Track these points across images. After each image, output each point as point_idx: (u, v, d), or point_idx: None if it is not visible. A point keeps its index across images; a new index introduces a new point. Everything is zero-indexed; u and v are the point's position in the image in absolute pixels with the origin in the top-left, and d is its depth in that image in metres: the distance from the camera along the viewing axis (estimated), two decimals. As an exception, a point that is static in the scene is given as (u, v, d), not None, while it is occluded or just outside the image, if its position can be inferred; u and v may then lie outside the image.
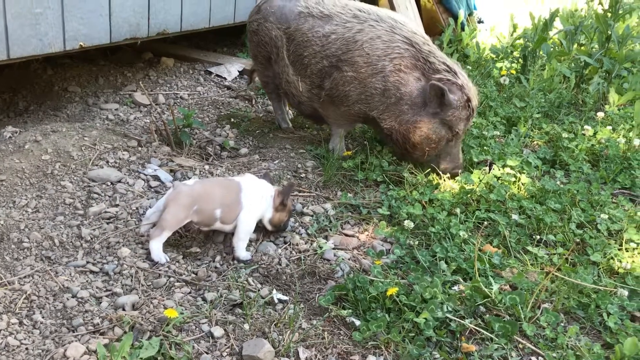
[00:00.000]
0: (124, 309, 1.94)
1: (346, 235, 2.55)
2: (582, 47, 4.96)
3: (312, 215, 2.64)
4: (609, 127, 3.64)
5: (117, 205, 2.53)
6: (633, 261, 2.42)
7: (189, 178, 2.82)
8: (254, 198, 2.31)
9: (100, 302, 1.98)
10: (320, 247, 2.39)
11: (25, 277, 2.05)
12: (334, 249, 2.42)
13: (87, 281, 2.07)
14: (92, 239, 2.30)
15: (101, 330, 1.84)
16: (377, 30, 2.91)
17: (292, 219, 2.59)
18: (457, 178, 2.94)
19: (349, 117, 3.11)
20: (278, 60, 3.22)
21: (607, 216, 2.66)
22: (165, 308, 1.93)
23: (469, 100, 2.82)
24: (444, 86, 2.74)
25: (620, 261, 2.40)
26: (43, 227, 2.33)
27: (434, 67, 2.84)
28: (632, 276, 2.31)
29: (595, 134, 3.58)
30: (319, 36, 3.01)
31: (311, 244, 2.43)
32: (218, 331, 1.87)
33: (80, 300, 1.97)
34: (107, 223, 2.40)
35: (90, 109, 3.63)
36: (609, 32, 4.46)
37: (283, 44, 3.15)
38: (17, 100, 3.75)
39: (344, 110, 3.05)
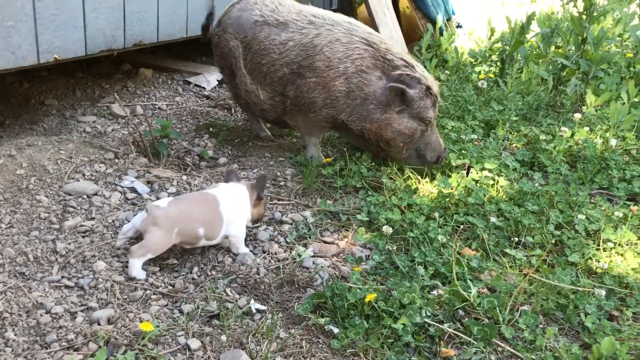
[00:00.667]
0: (99, 324, 1.91)
1: (325, 242, 2.54)
2: (559, 50, 5.01)
3: (291, 223, 2.63)
4: (586, 128, 3.67)
5: (93, 219, 2.50)
6: (610, 261, 2.43)
7: (166, 190, 2.80)
8: (233, 208, 2.31)
9: (75, 317, 1.95)
10: (300, 255, 2.37)
11: (-2, 294, 2.01)
12: (313, 256, 2.41)
13: (61, 296, 2.04)
14: (67, 253, 2.27)
15: (75, 346, 1.81)
16: (334, 33, 2.94)
17: (270, 228, 2.58)
18: (435, 182, 2.95)
19: (318, 124, 3.11)
20: (236, 70, 3.20)
21: (584, 216, 2.68)
22: (141, 321, 1.90)
23: (429, 88, 2.91)
24: (401, 85, 2.83)
25: (598, 261, 2.42)
26: (17, 242, 2.29)
27: (392, 63, 2.91)
28: (609, 276, 2.32)
29: (572, 135, 3.61)
30: (276, 44, 3.01)
31: (290, 252, 2.42)
32: (195, 343, 1.85)
33: (54, 316, 1.94)
34: (83, 237, 2.38)
35: (68, 122, 3.60)
36: (585, 34, 4.51)
37: (240, 53, 3.13)
38: (-8, 114, 3.71)
39: (312, 116, 3.05)
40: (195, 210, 2.24)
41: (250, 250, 2.41)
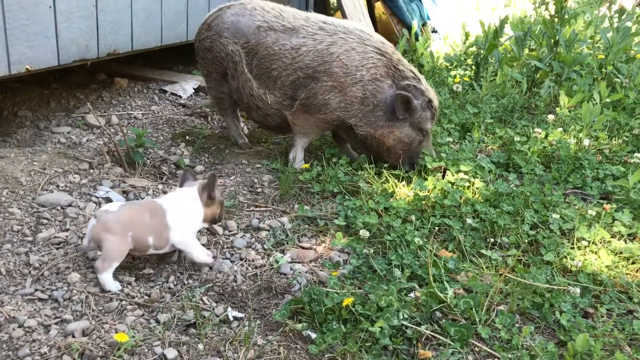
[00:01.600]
0: (73, 336, 1.89)
1: (303, 248, 2.54)
2: (532, 52, 5.08)
3: (268, 230, 2.63)
4: (560, 129, 3.73)
5: (67, 230, 2.47)
6: (585, 259, 2.46)
7: (142, 199, 2.78)
8: (180, 216, 2.23)
9: (49, 330, 1.92)
10: (277, 262, 2.37)
11: (-31, 308, 1.98)
12: (290, 262, 2.41)
13: (35, 309, 2.01)
14: (40, 265, 2.24)
15: (49, 359, 1.78)
16: (349, 42, 3.02)
17: (247, 235, 2.57)
18: (411, 185, 2.97)
19: (322, 125, 3.16)
20: (237, 75, 3.21)
21: (559, 216, 2.71)
22: (117, 332, 1.88)
23: (430, 101, 3.04)
24: (408, 94, 2.94)
25: (573, 259, 2.45)
26: (-11, 256, 2.26)
27: (403, 74, 3.04)
28: (584, 274, 2.35)
29: (546, 136, 3.66)
30: (287, 49, 3.05)
31: (267, 259, 2.42)
32: (171, 353, 1.83)
33: (27, 329, 1.91)
34: (57, 248, 2.35)
35: (42, 133, 3.56)
36: (557, 37, 4.58)
37: (242, 58, 3.15)
38: (-36, 127, 3.65)
39: (320, 118, 3.09)
40: (146, 217, 2.18)
41: (227, 258, 2.40)
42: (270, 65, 3.10)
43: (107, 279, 2.12)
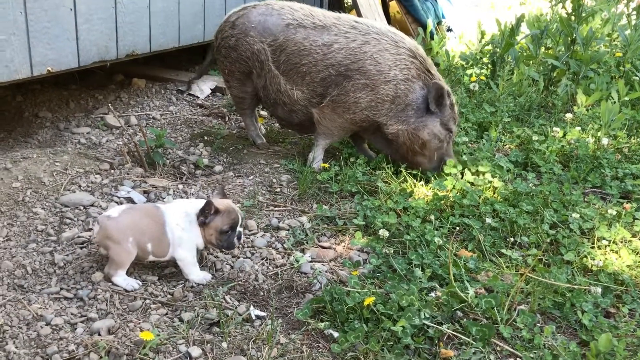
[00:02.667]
0: (99, 334, 1.92)
1: (323, 247, 2.56)
2: (549, 51, 5.05)
3: (288, 229, 2.65)
4: (578, 128, 3.71)
5: (90, 230, 2.50)
6: (605, 258, 2.45)
7: (162, 199, 2.81)
8: (179, 229, 2.19)
9: (75, 329, 1.95)
10: (297, 261, 2.39)
11: (-3, 307, 2.01)
12: (310, 262, 2.42)
13: (61, 308, 2.05)
14: (65, 264, 2.27)
15: (76, 357, 1.81)
16: (382, 43, 3.04)
17: (267, 234, 2.58)
18: (430, 185, 2.97)
19: (349, 126, 3.15)
20: (263, 74, 3.22)
21: (578, 215, 2.70)
22: (142, 331, 1.91)
23: (453, 104, 3.09)
24: (446, 87, 2.99)
25: (593, 259, 2.44)
26: (15, 255, 2.30)
27: (434, 77, 3.08)
28: (604, 273, 2.34)
29: (564, 135, 3.65)
30: (319, 45, 3.06)
31: (288, 258, 2.43)
32: (195, 351, 1.86)
33: (54, 327, 1.94)
34: (81, 248, 2.38)
35: (62, 134, 3.60)
36: (574, 35, 4.56)
37: (268, 57, 3.16)
38: (-14, 128, 3.71)
39: (348, 118, 3.09)
40: (145, 223, 2.17)
41: (248, 257, 2.42)
42: (300, 60, 3.11)
43: (119, 282, 2.16)
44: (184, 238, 2.19)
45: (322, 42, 3.07)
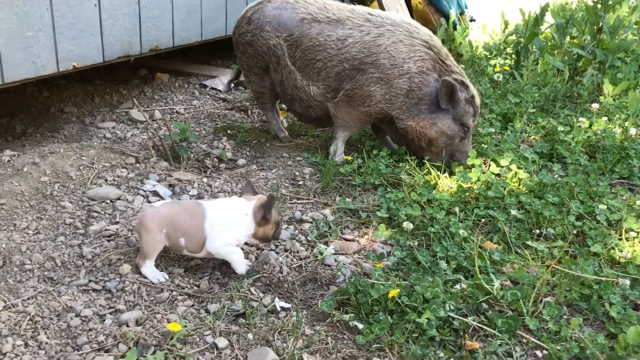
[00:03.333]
0: (127, 325, 1.95)
1: (346, 239, 2.56)
2: (574, 40, 4.97)
3: (311, 222, 2.66)
4: (605, 118, 3.65)
5: (117, 223, 2.54)
6: (634, 250, 2.42)
7: (187, 192, 2.84)
8: (220, 225, 2.18)
9: (104, 320, 1.99)
10: (321, 253, 2.39)
11: (28, 298, 2.06)
12: (334, 254, 2.43)
13: (90, 299, 2.08)
14: (93, 257, 2.31)
15: (106, 348, 1.85)
16: (396, 35, 3.01)
17: (290, 227, 2.60)
18: (453, 177, 2.96)
19: (365, 118, 3.15)
20: (279, 69, 3.23)
21: (605, 207, 2.66)
22: (169, 322, 1.93)
23: (473, 97, 3.01)
24: (454, 82, 2.91)
25: (621, 251, 2.41)
26: (44, 248, 2.34)
27: (450, 68, 3.03)
28: (633, 265, 2.31)
29: (591, 125, 3.59)
30: (333, 40, 3.06)
31: (311, 251, 2.44)
32: (222, 342, 1.88)
33: (84, 318, 1.98)
34: (108, 241, 2.42)
35: (87, 129, 3.65)
36: (600, 24, 4.48)
37: (284, 52, 3.16)
38: (14, 123, 3.77)
39: (363, 110, 3.08)
40: (181, 218, 2.17)
41: (272, 250, 2.43)
42: (315, 56, 3.11)
43: (146, 273, 2.19)
44: (222, 234, 2.18)
45: (336, 36, 3.06)
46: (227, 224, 2.19)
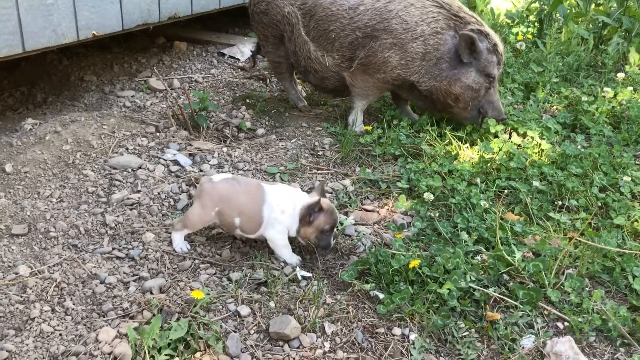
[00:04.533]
0: (151, 293, 1.98)
1: (366, 210, 2.56)
2: (600, 7, 4.85)
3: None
4: (630, 88, 3.58)
5: (139, 192, 2.56)
6: (658, 223, 2.39)
7: (207, 162, 2.85)
8: (275, 211, 2.13)
9: (128, 287, 2.02)
10: (341, 224, 2.39)
11: (54, 265, 2.09)
12: (354, 224, 2.43)
13: (114, 267, 2.12)
14: (116, 225, 2.34)
15: (130, 314, 1.88)
16: None
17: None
18: (475, 147, 2.93)
19: (382, 86, 3.11)
20: (293, 38, 3.20)
21: (630, 178, 2.63)
22: (192, 290, 1.96)
23: (495, 45, 2.96)
24: (473, 34, 2.86)
25: (645, 223, 2.38)
26: (68, 216, 2.37)
27: (464, 20, 2.97)
28: (657, 238, 2.29)
29: (615, 95, 3.52)
30: (345, 9, 3.02)
31: (332, 221, 2.44)
32: (244, 310, 1.90)
33: (108, 285, 2.01)
34: (130, 209, 2.44)
35: (107, 97, 3.66)
36: (627, -10, 4.35)
37: (298, 20, 3.13)
38: (35, 92, 3.79)
39: (380, 77, 3.05)
40: (239, 198, 2.14)
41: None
42: (328, 26, 3.07)
43: (175, 239, 2.21)
44: (278, 220, 2.13)
45: (348, 5, 3.02)
46: (281, 213, 2.14)
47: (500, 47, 2.99)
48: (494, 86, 3.04)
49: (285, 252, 2.18)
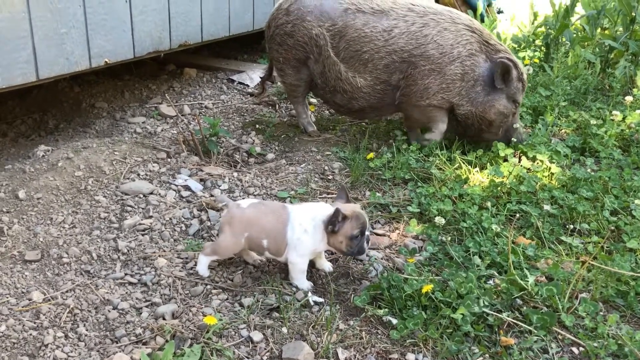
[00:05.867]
0: (164, 318, 1.98)
1: (377, 234, 2.56)
2: (606, 31, 4.88)
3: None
4: (639, 111, 3.58)
5: (150, 217, 2.57)
6: (671, 246, 2.37)
7: (219, 187, 2.86)
8: (299, 232, 2.11)
9: (141, 313, 2.02)
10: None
11: (67, 291, 2.10)
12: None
13: (126, 292, 2.12)
14: (128, 251, 2.35)
15: (143, 340, 1.88)
16: (440, 23, 3.05)
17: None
18: (485, 171, 2.93)
19: (433, 112, 3.14)
20: (321, 59, 3.22)
21: (641, 202, 2.62)
22: (204, 315, 1.96)
23: (521, 74, 3.07)
24: (510, 63, 2.97)
25: (658, 247, 2.36)
26: (80, 242, 2.38)
27: (495, 47, 3.07)
28: (671, 261, 2.27)
29: (624, 118, 3.53)
30: (379, 31, 3.08)
31: (343, 245, 2.44)
32: (257, 336, 1.90)
33: (121, 311, 2.01)
34: (142, 235, 2.45)
35: (118, 124, 3.70)
36: (633, 14, 4.39)
37: (327, 41, 3.16)
38: (47, 119, 3.84)
39: (424, 103, 3.10)
40: (266, 220, 2.13)
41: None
42: (361, 47, 3.11)
43: (201, 261, 2.20)
44: (302, 241, 2.11)
45: (382, 27, 3.07)
46: (305, 232, 2.11)
47: (525, 75, 3.09)
48: (518, 111, 3.15)
49: (300, 277, 2.17)
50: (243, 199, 2.62)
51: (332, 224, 2.07)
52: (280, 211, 2.16)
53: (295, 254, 2.12)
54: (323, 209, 2.14)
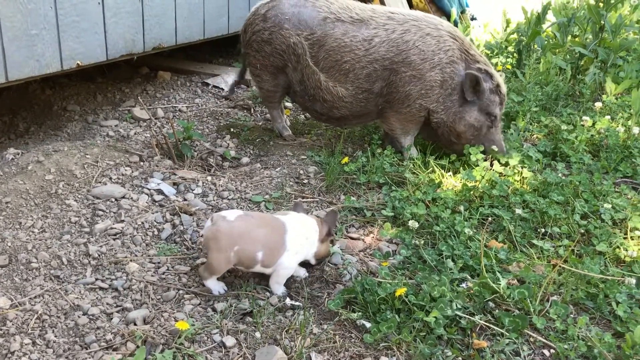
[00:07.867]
0: (135, 324, 1.95)
1: (352, 238, 2.56)
2: (576, 39, 4.98)
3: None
4: (608, 117, 3.66)
5: (122, 221, 2.54)
6: (639, 249, 2.42)
7: (192, 191, 2.84)
8: (299, 240, 2.15)
9: (112, 318, 1.99)
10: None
11: (35, 297, 2.06)
12: (340, 253, 2.43)
13: (97, 298, 2.09)
14: (99, 255, 2.31)
15: (114, 346, 1.85)
16: (423, 29, 3.02)
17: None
18: (458, 175, 2.96)
19: (412, 118, 3.13)
20: (299, 68, 3.16)
21: (610, 206, 2.67)
22: (176, 320, 1.94)
23: (498, 86, 3.04)
24: (479, 74, 2.95)
25: (627, 250, 2.41)
26: (50, 246, 2.34)
27: (474, 58, 3.06)
28: (638, 264, 2.31)
29: (594, 124, 3.60)
30: (359, 40, 3.04)
31: (317, 249, 2.44)
32: (230, 341, 1.88)
33: (91, 317, 1.98)
34: (114, 239, 2.42)
35: (90, 127, 3.65)
36: (602, 22, 4.48)
37: (305, 50, 3.10)
38: (17, 121, 3.77)
39: (405, 111, 3.08)
40: (260, 232, 2.09)
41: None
42: (342, 57, 3.06)
43: (210, 285, 2.14)
44: (302, 245, 2.16)
45: (362, 37, 3.03)
46: (302, 241, 2.16)
47: (503, 88, 3.08)
48: (496, 125, 3.11)
49: (283, 282, 2.16)
50: (227, 209, 2.52)
51: (334, 225, 2.24)
52: (274, 222, 2.15)
53: (291, 257, 2.13)
54: (310, 220, 2.24)
